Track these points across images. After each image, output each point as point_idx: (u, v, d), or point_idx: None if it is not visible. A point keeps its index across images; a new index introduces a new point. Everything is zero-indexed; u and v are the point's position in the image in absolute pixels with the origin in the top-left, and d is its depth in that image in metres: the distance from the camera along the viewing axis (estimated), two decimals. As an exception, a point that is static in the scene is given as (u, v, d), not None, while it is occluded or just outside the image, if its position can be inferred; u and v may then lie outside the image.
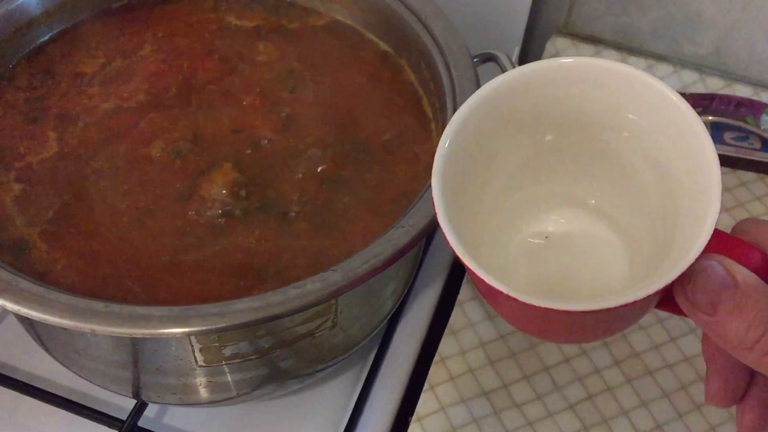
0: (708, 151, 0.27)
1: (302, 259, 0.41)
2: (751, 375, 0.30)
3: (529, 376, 0.52)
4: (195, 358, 0.39)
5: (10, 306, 0.34)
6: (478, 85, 0.45)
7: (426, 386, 0.51)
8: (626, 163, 0.32)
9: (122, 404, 0.49)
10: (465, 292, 0.56)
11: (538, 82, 0.30)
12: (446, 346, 0.53)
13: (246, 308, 0.34)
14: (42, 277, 0.39)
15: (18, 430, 0.48)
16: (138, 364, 0.41)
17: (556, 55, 0.69)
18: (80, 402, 0.48)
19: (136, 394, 0.45)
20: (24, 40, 0.48)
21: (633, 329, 0.54)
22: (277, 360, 0.42)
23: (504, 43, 0.65)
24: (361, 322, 0.45)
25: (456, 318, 0.54)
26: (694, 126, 0.28)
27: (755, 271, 0.27)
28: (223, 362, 0.40)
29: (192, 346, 0.38)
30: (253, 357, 0.40)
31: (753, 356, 0.26)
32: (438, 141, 0.47)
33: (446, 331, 0.54)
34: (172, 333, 0.34)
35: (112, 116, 0.46)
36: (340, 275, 0.36)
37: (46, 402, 0.48)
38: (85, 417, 0.47)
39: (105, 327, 0.33)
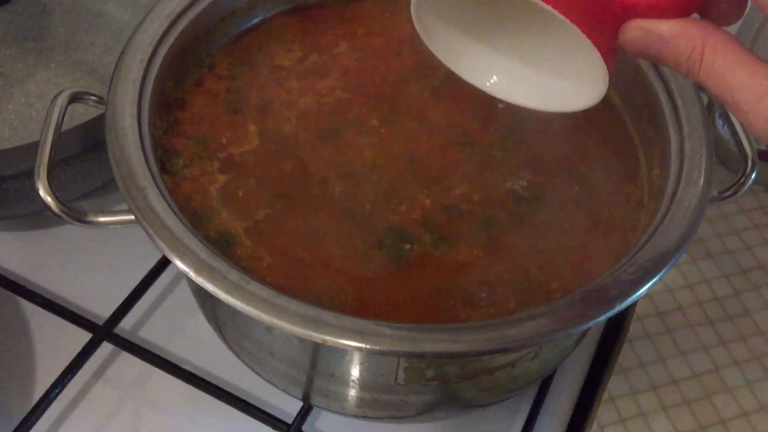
0: None
1: (510, 286, 0.39)
2: None
3: (705, 428, 0.49)
4: (396, 376, 0.38)
5: (241, 306, 0.33)
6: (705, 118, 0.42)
7: (594, 426, 0.49)
8: None
9: (284, 408, 0.48)
10: (635, 328, 0.53)
11: None
12: (616, 384, 0.51)
13: (479, 337, 0.33)
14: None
15: (187, 422, 0.48)
16: (329, 373, 0.40)
17: None
18: (249, 401, 0.47)
19: (305, 398, 0.44)
20: (226, 30, 0.48)
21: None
22: (472, 386, 0.40)
23: None
24: (555, 353, 0.42)
25: (625, 356, 0.52)
26: None
27: None
28: (421, 383, 0.38)
29: (399, 364, 0.37)
30: (452, 381, 0.39)
31: None
32: (647, 175, 0.44)
33: (615, 368, 0.51)
34: (401, 352, 0.32)
35: (311, 111, 0.45)
36: (576, 311, 0.34)
37: (218, 398, 0.47)
38: (252, 416, 0.46)
39: (336, 339, 0.32)
